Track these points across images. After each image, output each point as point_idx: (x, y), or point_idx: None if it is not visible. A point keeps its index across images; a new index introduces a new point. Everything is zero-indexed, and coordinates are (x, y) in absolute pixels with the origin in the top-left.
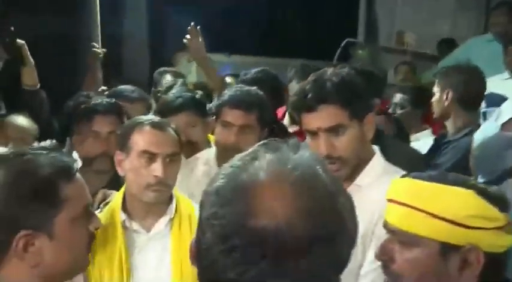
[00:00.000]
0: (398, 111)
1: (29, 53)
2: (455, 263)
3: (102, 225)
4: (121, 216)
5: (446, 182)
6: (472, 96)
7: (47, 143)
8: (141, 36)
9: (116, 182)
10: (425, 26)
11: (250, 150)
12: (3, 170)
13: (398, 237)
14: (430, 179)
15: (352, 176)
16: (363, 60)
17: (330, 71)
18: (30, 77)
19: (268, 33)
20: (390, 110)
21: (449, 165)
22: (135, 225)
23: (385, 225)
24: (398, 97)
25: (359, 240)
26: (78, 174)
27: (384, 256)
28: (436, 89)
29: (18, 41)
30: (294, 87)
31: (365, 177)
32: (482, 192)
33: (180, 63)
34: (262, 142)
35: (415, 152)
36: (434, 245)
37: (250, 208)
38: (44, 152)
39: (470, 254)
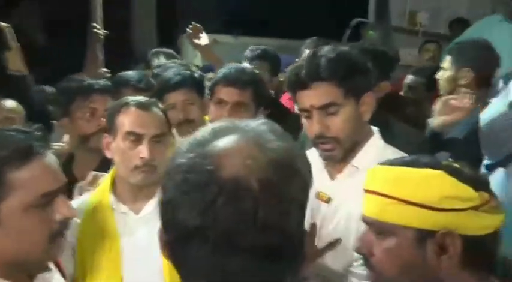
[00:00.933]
0: (410, 95)
1: (12, 36)
2: (433, 250)
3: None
4: (110, 198)
5: (418, 165)
6: (488, 74)
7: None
8: (150, 16)
9: (107, 162)
10: (439, 5)
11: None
12: None
13: (374, 228)
14: (403, 164)
15: (348, 157)
16: (373, 41)
17: (327, 47)
18: (14, 62)
19: (276, 13)
20: (402, 93)
21: (461, 138)
22: (123, 208)
23: (363, 218)
24: (410, 79)
25: (354, 222)
26: (42, 159)
27: (363, 250)
28: (448, 65)
29: (1, 23)
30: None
31: (362, 159)
32: (454, 172)
33: (186, 46)
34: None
35: (420, 135)
36: (409, 233)
37: (212, 154)
38: (12, 132)
39: (446, 239)
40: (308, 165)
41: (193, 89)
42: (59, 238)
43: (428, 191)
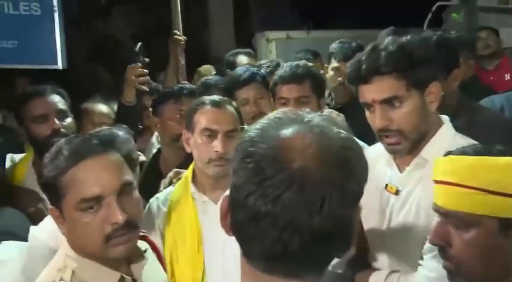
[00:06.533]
0: None
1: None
2: None
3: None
4: (191, 188)
5: (493, 153)
6: None
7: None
8: (226, 17)
9: (191, 159)
10: None
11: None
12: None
13: (451, 219)
14: (475, 153)
15: (416, 149)
16: (458, 25)
17: (388, 39)
18: (130, 95)
19: (349, 2)
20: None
21: None
22: (203, 197)
23: (436, 209)
24: None
25: (423, 213)
26: (89, 164)
27: (439, 240)
28: None
29: None
30: None
31: (431, 150)
32: None
33: (260, 43)
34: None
35: (506, 122)
36: (492, 222)
37: (282, 146)
38: (79, 140)
39: None
40: (365, 163)
41: (261, 84)
42: (117, 238)
43: (511, 180)
